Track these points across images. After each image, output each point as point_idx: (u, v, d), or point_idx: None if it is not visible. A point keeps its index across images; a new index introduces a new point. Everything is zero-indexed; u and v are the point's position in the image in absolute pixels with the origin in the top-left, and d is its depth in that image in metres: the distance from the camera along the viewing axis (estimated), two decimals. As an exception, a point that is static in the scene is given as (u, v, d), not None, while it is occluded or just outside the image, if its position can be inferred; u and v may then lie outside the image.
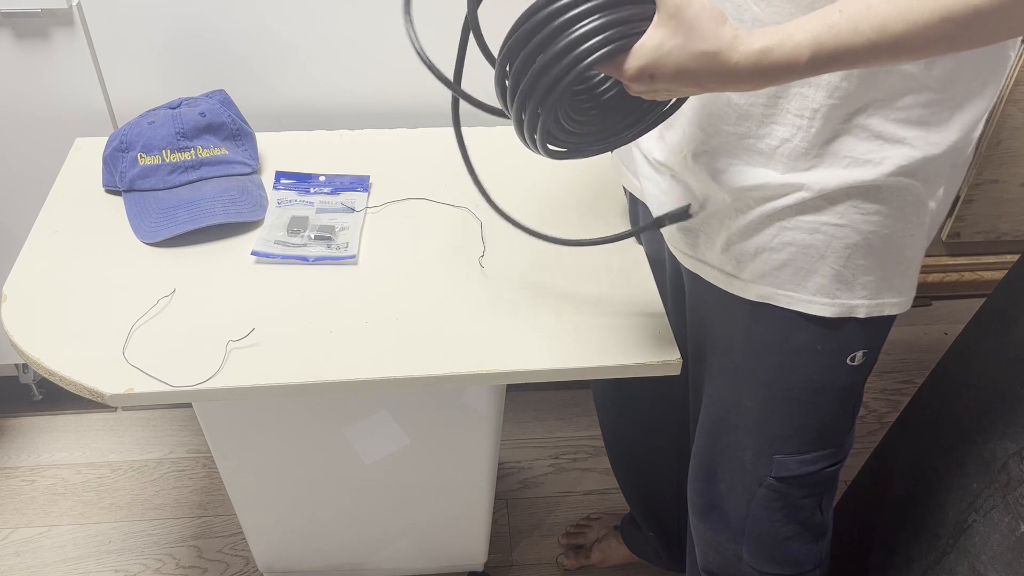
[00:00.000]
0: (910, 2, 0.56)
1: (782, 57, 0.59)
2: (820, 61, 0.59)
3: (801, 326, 0.80)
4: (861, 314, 0.78)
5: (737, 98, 0.73)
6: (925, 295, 1.87)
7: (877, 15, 0.57)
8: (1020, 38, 0.70)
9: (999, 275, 1.29)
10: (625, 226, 1.04)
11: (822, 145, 0.71)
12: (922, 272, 1.78)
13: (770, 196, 0.76)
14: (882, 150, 0.70)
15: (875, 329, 0.82)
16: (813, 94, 0.69)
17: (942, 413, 1.07)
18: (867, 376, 0.87)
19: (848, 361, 0.83)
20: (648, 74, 0.61)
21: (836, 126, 0.70)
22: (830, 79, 0.68)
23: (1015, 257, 1.03)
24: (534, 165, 1.14)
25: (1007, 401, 0.94)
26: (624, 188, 1.02)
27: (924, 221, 0.76)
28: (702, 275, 0.85)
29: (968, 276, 1.81)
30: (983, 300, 1.03)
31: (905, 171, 0.71)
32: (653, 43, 0.60)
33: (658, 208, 0.90)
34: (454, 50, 0.74)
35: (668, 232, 0.88)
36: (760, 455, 0.91)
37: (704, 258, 0.84)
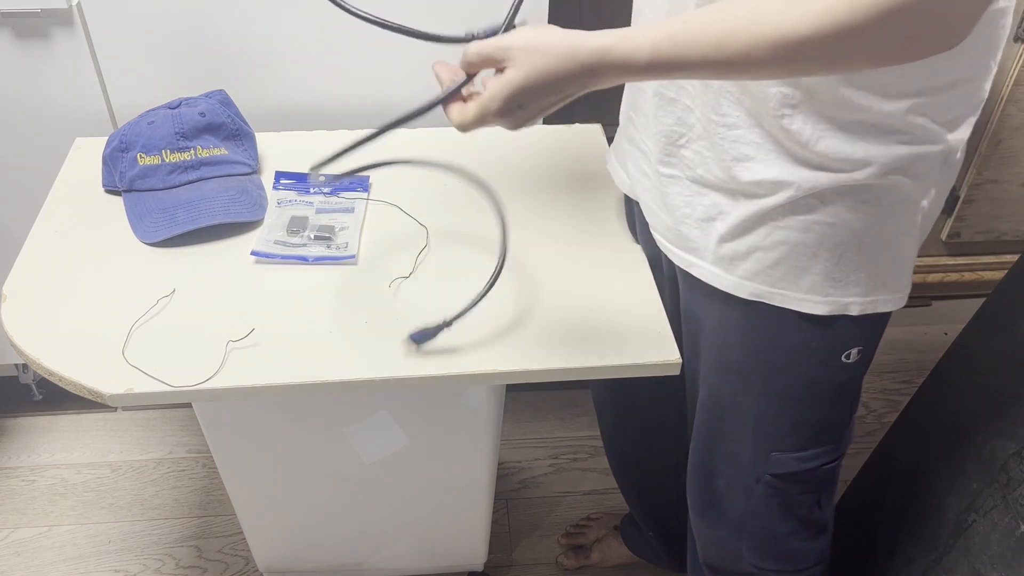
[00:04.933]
0: (747, 25, 0.58)
1: (620, 56, 0.62)
2: (659, 66, 0.62)
3: (795, 324, 0.80)
4: (854, 311, 0.79)
5: (728, 94, 0.73)
6: (925, 295, 1.87)
7: (715, 32, 0.59)
8: (1003, 46, 0.71)
9: (999, 275, 1.29)
10: (622, 226, 1.04)
11: (807, 144, 0.71)
12: (922, 272, 1.78)
13: (760, 194, 0.76)
14: (868, 150, 0.71)
15: (869, 326, 0.82)
16: (792, 92, 0.69)
17: (942, 413, 1.07)
18: (864, 373, 0.88)
19: (843, 358, 0.83)
20: (516, 103, 0.66)
21: (819, 124, 0.70)
22: (808, 78, 0.68)
23: (1015, 257, 1.04)
24: (532, 164, 1.14)
25: (1007, 401, 0.94)
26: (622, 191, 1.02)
27: (916, 219, 0.76)
28: (696, 274, 0.85)
29: (968, 276, 1.81)
30: (983, 300, 1.03)
31: (894, 170, 0.71)
32: (507, 78, 0.65)
33: (648, 211, 0.90)
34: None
35: (662, 231, 0.88)
36: (757, 452, 0.91)
37: (698, 257, 0.84)
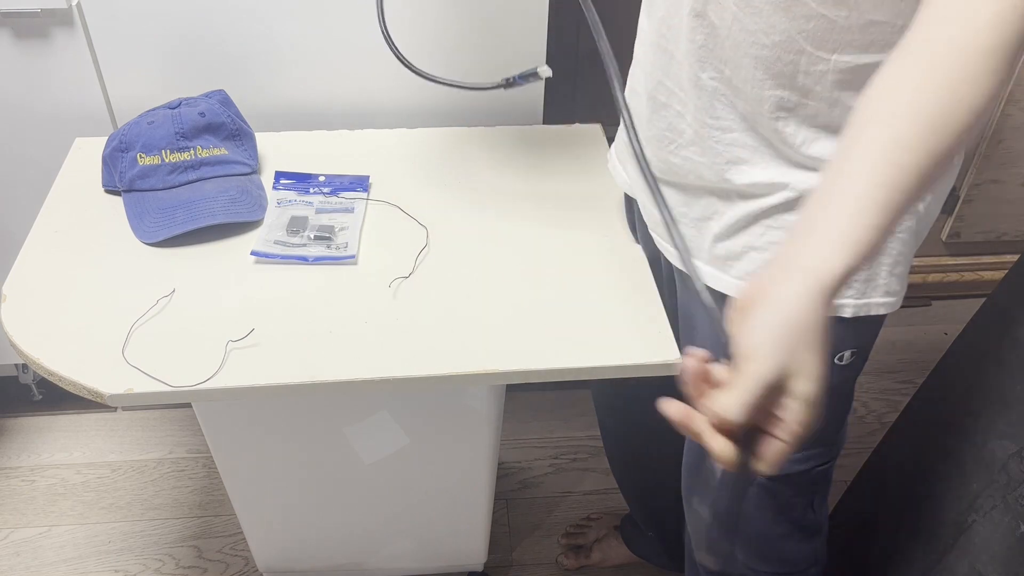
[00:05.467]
0: (937, 141, 0.52)
1: (863, 261, 0.54)
2: (891, 230, 0.55)
3: None
4: (847, 313, 0.78)
5: (723, 97, 0.73)
6: (925, 295, 1.87)
7: (916, 176, 0.53)
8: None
9: (999, 275, 1.29)
10: (623, 225, 1.04)
11: (800, 147, 0.71)
12: (922, 272, 1.78)
13: (756, 194, 0.76)
14: None
15: (862, 329, 0.82)
16: (787, 96, 0.69)
17: (942, 413, 1.07)
18: (857, 375, 0.87)
19: (836, 360, 0.83)
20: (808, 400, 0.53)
21: (813, 127, 0.70)
22: (804, 81, 0.68)
23: (1015, 257, 1.04)
24: (533, 164, 1.14)
25: (1007, 401, 0.94)
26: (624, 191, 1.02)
27: (911, 222, 0.76)
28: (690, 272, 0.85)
29: (968, 276, 1.81)
30: (983, 300, 1.03)
31: None
32: (810, 395, 0.53)
33: (645, 210, 0.90)
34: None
35: (660, 231, 0.88)
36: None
37: (693, 255, 0.84)
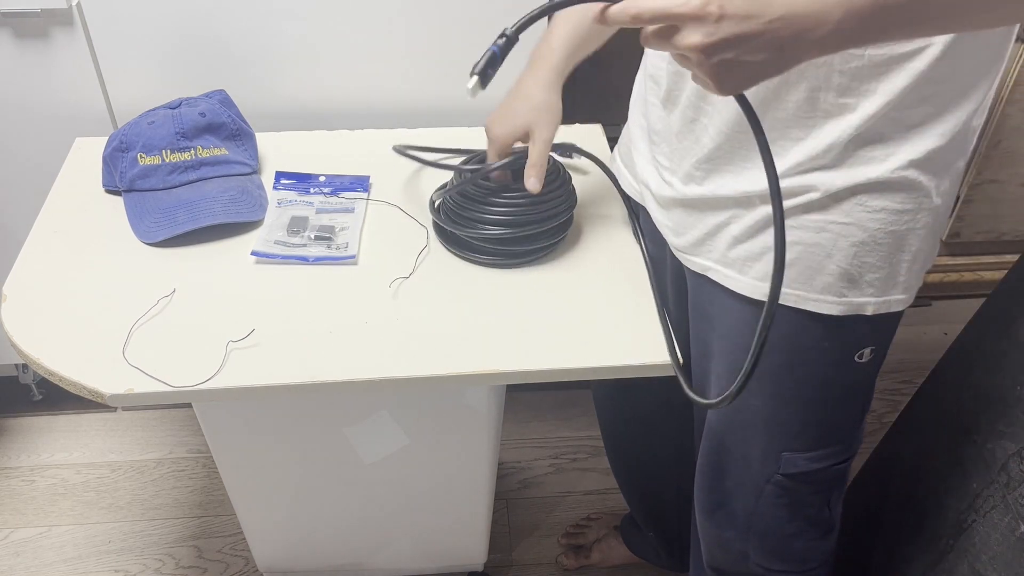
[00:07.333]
0: None
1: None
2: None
3: (809, 325, 0.80)
4: (868, 311, 0.79)
5: (758, 107, 0.73)
6: (925, 295, 1.86)
7: None
8: (1016, 34, 0.71)
9: (999, 275, 1.29)
10: (623, 225, 1.04)
11: (827, 149, 0.71)
12: (922, 272, 1.77)
13: None
14: (887, 147, 0.71)
15: (882, 326, 0.82)
16: (824, 96, 0.69)
17: (942, 413, 1.07)
18: (876, 373, 0.87)
19: (856, 358, 0.83)
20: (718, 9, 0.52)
21: (847, 127, 0.70)
22: (839, 80, 0.68)
23: (1015, 257, 1.04)
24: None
25: (1007, 401, 0.94)
26: (625, 193, 1.02)
27: (929, 218, 0.76)
28: (708, 275, 0.85)
29: (968, 276, 1.81)
30: (983, 300, 1.03)
31: (912, 164, 0.72)
32: None
33: (655, 218, 0.90)
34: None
35: (672, 238, 0.88)
36: (768, 453, 0.91)
37: (709, 258, 0.84)
